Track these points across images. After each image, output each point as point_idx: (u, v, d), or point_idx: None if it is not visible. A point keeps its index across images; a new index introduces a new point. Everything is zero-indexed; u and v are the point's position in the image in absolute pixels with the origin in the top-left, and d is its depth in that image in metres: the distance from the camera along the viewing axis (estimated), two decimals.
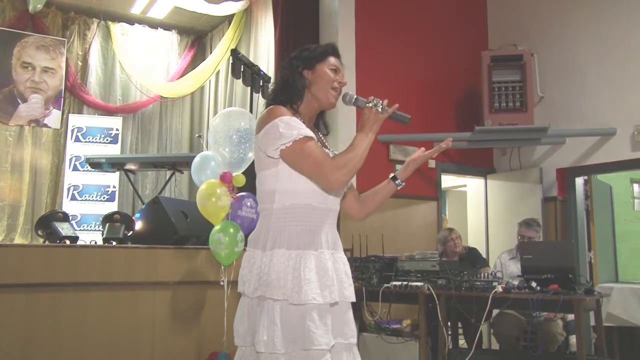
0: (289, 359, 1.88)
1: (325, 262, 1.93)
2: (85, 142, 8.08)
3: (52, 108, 8.17)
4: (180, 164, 6.19)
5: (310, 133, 1.94)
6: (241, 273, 2.03)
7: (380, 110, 1.95)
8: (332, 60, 2.10)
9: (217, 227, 3.75)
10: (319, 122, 2.21)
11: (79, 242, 4.28)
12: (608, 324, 5.37)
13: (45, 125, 8.15)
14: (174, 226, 4.30)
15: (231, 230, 3.73)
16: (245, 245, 3.66)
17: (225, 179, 3.76)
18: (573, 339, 4.45)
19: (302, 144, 1.90)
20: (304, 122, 2.04)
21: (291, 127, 1.92)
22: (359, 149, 1.92)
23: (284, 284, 1.89)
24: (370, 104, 1.96)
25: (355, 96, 2.05)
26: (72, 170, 7.98)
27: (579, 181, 6.07)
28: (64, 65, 8.29)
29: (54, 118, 8.18)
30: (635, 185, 7.91)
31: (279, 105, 2.02)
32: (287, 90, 2.07)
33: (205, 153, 4.03)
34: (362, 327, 4.52)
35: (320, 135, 2.17)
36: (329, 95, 2.08)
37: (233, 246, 3.70)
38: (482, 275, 4.09)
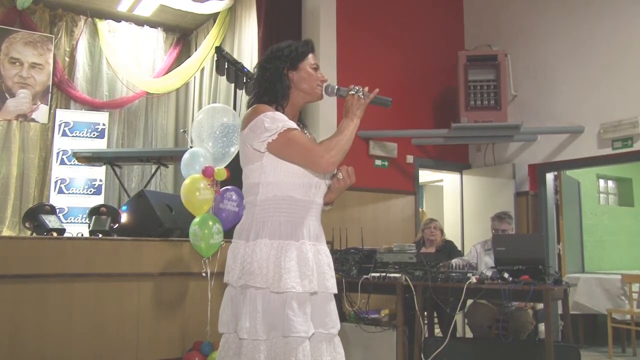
0: (270, 346, 1.88)
1: (306, 252, 1.93)
2: (73, 136, 7.97)
3: (39, 103, 8.05)
4: (165, 159, 6.13)
5: (294, 125, 1.96)
6: (227, 263, 2.03)
7: (361, 96, 1.99)
8: (311, 57, 2.10)
9: (195, 220, 3.72)
10: (302, 116, 2.21)
11: (65, 235, 4.21)
12: (574, 312, 5.46)
13: (33, 120, 8.02)
14: (159, 219, 4.26)
15: (209, 222, 3.70)
16: (226, 237, 3.67)
17: (207, 173, 3.73)
18: (542, 326, 4.48)
19: (287, 134, 1.92)
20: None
21: (275, 120, 1.93)
22: (345, 132, 1.97)
23: (265, 272, 1.89)
24: (352, 92, 2.00)
25: (336, 87, 2.07)
26: (60, 164, 7.87)
27: (549, 177, 6.13)
28: (51, 61, 8.16)
29: (41, 113, 8.06)
30: (601, 181, 8.04)
31: (263, 104, 2.02)
32: (272, 91, 2.05)
33: (194, 149, 3.98)
34: (341, 317, 4.49)
35: (306, 132, 2.15)
36: (316, 91, 2.09)
37: (209, 238, 3.67)
38: (455, 265, 4.12)
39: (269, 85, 2.06)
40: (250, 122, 1.96)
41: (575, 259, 6.50)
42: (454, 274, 3.92)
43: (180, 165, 3.98)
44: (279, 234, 1.93)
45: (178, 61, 9.01)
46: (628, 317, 5.21)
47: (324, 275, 1.97)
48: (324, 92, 2.10)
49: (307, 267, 1.91)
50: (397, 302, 4.05)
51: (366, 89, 2.01)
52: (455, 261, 4.41)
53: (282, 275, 1.87)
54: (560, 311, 4.59)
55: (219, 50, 5.63)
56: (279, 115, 1.96)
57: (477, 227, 6.17)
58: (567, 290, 3.92)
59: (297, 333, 1.84)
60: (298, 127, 1.98)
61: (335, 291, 2.01)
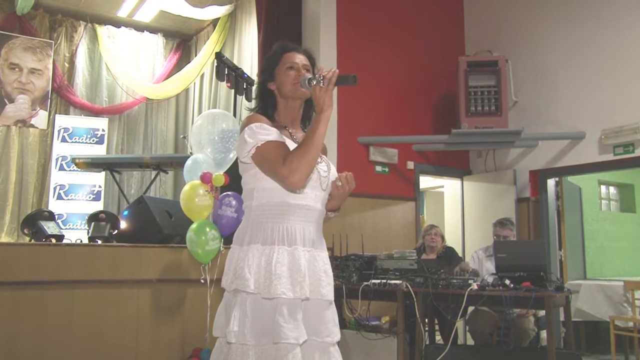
0: (260, 352, 1.87)
1: (298, 258, 1.92)
2: (72, 142, 7.99)
3: (38, 109, 8.07)
4: (165, 165, 6.12)
5: (273, 137, 1.93)
6: (224, 268, 2.03)
7: (322, 85, 1.87)
8: (285, 58, 2.07)
9: (191, 227, 3.71)
10: (311, 113, 2.16)
11: (64, 241, 4.21)
12: (576, 319, 5.45)
13: (32, 126, 8.04)
14: (159, 225, 4.26)
15: (205, 229, 3.69)
16: (226, 243, 3.67)
17: (205, 179, 3.72)
18: (544, 333, 4.49)
19: (262, 150, 1.91)
20: (286, 127, 2.06)
21: (255, 134, 1.93)
22: (310, 140, 1.87)
23: (256, 278, 1.88)
24: (314, 82, 1.89)
25: (306, 78, 1.97)
26: (59, 170, 7.88)
27: (551, 182, 6.12)
28: (50, 66, 8.19)
29: (40, 118, 8.08)
30: (603, 187, 8.04)
31: (256, 113, 2.04)
32: (261, 105, 2.10)
33: (198, 155, 3.98)
34: (342, 323, 4.51)
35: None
36: (297, 90, 2.02)
37: (204, 244, 3.65)
38: (458, 271, 4.11)
39: (257, 101, 2.13)
40: (240, 134, 1.99)
41: (577, 266, 6.50)
42: (454, 281, 3.92)
43: (183, 171, 3.98)
44: (271, 239, 1.93)
45: (178, 67, 9.06)
46: (631, 324, 5.19)
47: (319, 282, 1.96)
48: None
49: (299, 273, 1.90)
50: (397, 308, 4.05)
51: (327, 73, 1.88)
52: (462, 266, 4.43)
53: (272, 281, 1.86)
54: (562, 318, 4.58)
55: (219, 55, 5.65)
56: (261, 127, 1.94)
57: (478, 233, 6.17)
58: (569, 297, 3.92)
59: (287, 339, 1.82)
60: (278, 139, 1.93)
61: (331, 298, 1.99)
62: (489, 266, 4.61)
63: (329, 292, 1.98)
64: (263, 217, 1.96)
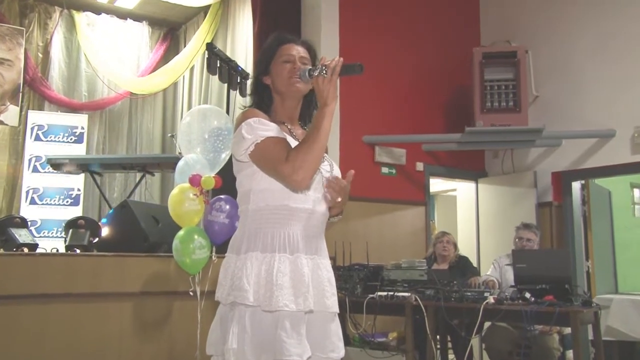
0: None
1: (301, 267, 1.93)
2: (47, 141, 8.00)
3: (8, 104, 8.07)
4: (151, 166, 6.14)
5: (273, 133, 1.95)
6: (219, 279, 2.04)
7: (325, 75, 1.89)
8: (282, 50, 2.09)
9: (178, 234, 3.72)
10: (311, 111, 2.19)
11: (38, 250, 4.22)
12: (607, 338, 5.40)
13: (2, 123, 8.03)
14: (144, 232, 4.28)
15: (192, 236, 3.70)
16: (219, 252, 3.68)
17: (193, 181, 3.72)
18: (570, 353, 4.48)
19: (261, 146, 1.93)
20: (284, 123, 2.08)
21: (253, 130, 1.94)
22: (315, 136, 1.89)
23: (256, 289, 1.89)
24: (316, 73, 1.91)
25: (306, 69, 1.99)
26: (32, 171, 7.89)
27: (576, 185, 6.13)
28: (22, 57, 8.18)
29: (11, 115, 8.08)
30: (636, 190, 8.02)
31: (253, 108, 2.06)
32: (256, 101, 2.12)
33: (191, 155, 3.99)
34: (345, 340, 4.50)
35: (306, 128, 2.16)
36: (292, 86, 2.05)
37: (190, 253, 3.66)
38: (472, 284, 4.12)
39: (252, 96, 2.15)
40: (236, 131, 2.00)
41: (607, 278, 6.48)
42: (469, 294, 3.93)
43: (173, 174, 3.99)
44: (271, 246, 1.94)
45: (165, 58, 9.07)
46: None
47: (324, 293, 1.97)
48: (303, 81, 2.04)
49: (302, 283, 1.91)
50: (406, 324, 4.07)
51: (332, 62, 1.89)
52: (484, 278, 4.42)
53: (273, 292, 1.87)
54: (591, 337, 4.58)
55: (210, 46, 5.68)
56: (259, 122, 1.97)
57: (494, 241, 6.19)
58: (598, 313, 3.90)
59: (289, 356, 1.83)
60: (278, 135, 1.96)
61: (336, 310, 2.02)
62: (511, 275, 4.61)
63: (333, 303, 2.00)
64: (262, 222, 1.97)
